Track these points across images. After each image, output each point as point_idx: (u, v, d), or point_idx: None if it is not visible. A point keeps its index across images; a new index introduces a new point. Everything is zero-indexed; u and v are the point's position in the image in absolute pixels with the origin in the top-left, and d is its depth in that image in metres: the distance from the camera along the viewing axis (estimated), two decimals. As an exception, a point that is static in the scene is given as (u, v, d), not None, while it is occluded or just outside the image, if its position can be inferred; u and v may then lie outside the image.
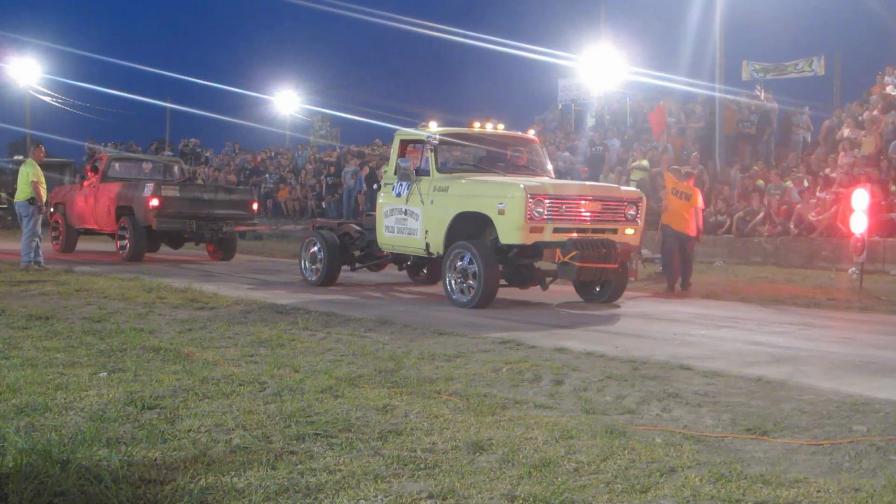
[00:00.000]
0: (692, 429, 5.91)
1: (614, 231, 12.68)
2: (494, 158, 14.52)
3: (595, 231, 12.49)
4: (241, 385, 6.88)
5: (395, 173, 13.98)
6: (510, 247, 12.44)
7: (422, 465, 4.99)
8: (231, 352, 8.44)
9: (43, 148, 18.80)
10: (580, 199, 12.52)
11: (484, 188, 12.89)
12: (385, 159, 30.53)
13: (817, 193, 20.82)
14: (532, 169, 14.39)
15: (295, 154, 40.22)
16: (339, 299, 13.32)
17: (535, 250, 12.30)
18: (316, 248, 15.46)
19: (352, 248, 15.56)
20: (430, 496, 4.53)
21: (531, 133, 15.82)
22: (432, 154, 13.60)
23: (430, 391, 6.85)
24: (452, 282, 12.79)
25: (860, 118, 22.69)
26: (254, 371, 7.46)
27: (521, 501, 4.49)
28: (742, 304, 13.56)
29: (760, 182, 22.37)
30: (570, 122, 32.64)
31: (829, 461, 5.26)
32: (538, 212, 12.04)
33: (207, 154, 43.83)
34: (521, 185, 12.20)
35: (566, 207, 12.34)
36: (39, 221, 17.10)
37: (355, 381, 7.13)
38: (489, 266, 12.33)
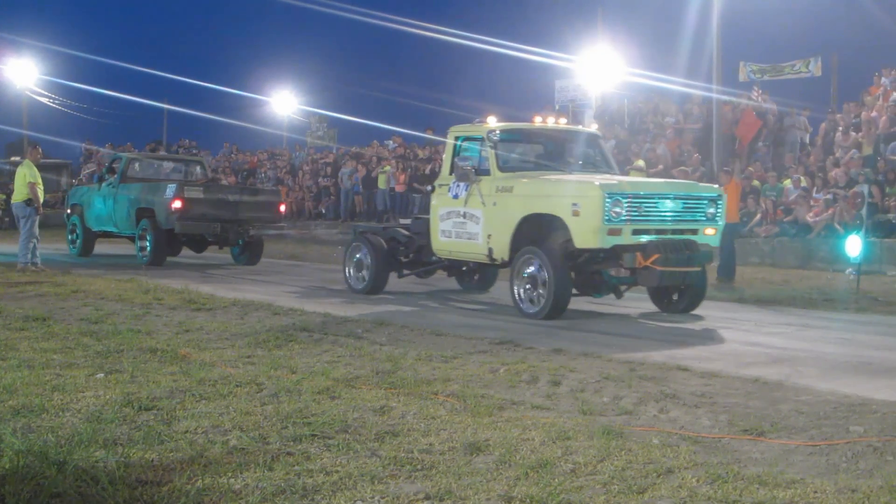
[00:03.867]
0: (689, 429, 5.92)
1: (694, 232, 11.69)
2: (558, 155, 13.52)
3: (675, 232, 11.53)
4: (238, 386, 6.89)
5: (451, 173, 13.06)
6: (581, 252, 11.46)
7: (419, 466, 5.00)
8: (228, 353, 8.44)
9: (40, 149, 18.70)
10: (660, 198, 11.56)
11: (555, 187, 11.91)
12: (381, 160, 30.57)
13: (814, 194, 20.84)
14: (597, 166, 13.41)
15: (292, 155, 40.22)
16: (334, 301, 13.30)
17: (612, 254, 11.37)
18: (361, 255, 14.39)
19: (398, 253, 14.46)
20: (427, 497, 4.53)
21: (594, 127, 14.83)
22: (492, 151, 12.62)
23: (427, 392, 6.85)
24: (521, 290, 11.84)
25: (857, 119, 22.71)
26: (251, 372, 7.46)
27: (517, 502, 4.50)
28: (739, 305, 13.55)
29: (757, 183, 22.39)
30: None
31: (826, 462, 5.26)
32: (616, 212, 11.01)
33: (204, 155, 43.75)
34: (598, 184, 11.24)
35: (645, 207, 11.34)
36: (37, 223, 17.05)
37: (352, 382, 7.13)
38: (560, 273, 11.36)
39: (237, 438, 5.47)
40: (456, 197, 12.85)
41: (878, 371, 8.26)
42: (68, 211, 22.42)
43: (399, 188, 28.76)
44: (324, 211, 33.00)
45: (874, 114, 22.24)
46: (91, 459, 4.96)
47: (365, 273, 14.30)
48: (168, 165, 22.60)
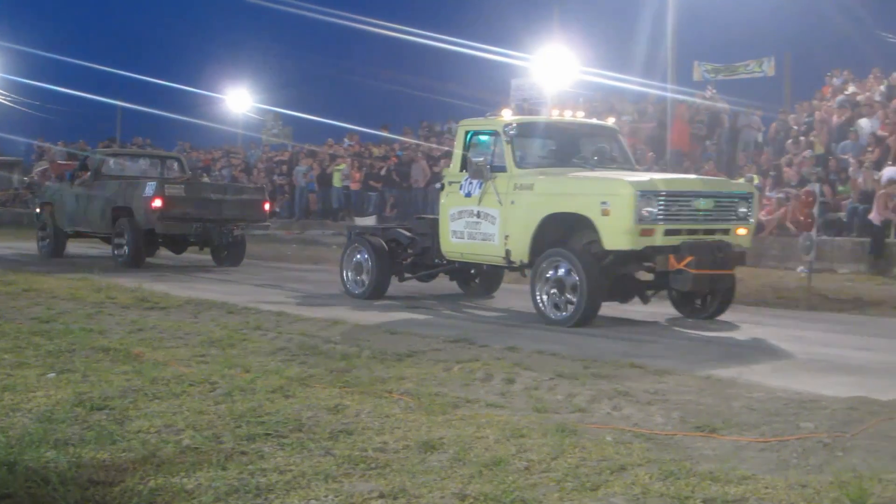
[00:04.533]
0: (642, 427, 5.95)
1: (726, 231, 11.10)
2: (575, 150, 12.68)
3: (706, 232, 10.94)
4: (191, 385, 6.84)
5: (462, 169, 12.36)
6: (608, 253, 10.78)
7: (373, 465, 4.99)
8: (181, 352, 8.38)
9: (-9, 146, 18.40)
10: (693, 196, 10.94)
11: (581, 185, 11.28)
12: (336, 158, 30.46)
13: (767, 193, 21.03)
14: (617, 161, 12.73)
15: (247, 153, 39.99)
16: (289, 299, 13.25)
17: (641, 256, 10.79)
18: (361, 257, 13.46)
19: (400, 256, 13.64)
20: (381, 496, 4.53)
21: (611, 121, 14.27)
22: (509, 146, 11.85)
23: (381, 390, 6.85)
24: (544, 296, 11.09)
25: (810, 118, 22.96)
26: (204, 371, 7.41)
27: (471, 500, 4.50)
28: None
29: (711, 182, 22.54)
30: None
31: (776, 458, 5.32)
32: (649, 211, 10.36)
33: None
34: (628, 181, 10.64)
35: (678, 206, 10.72)
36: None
37: (306, 381, 7.11)
38: (593, 277, 10.62)
39: (190, 438, 5.44)
40: (469, 195, 12.14)
41: (829, 368, 8.36)
42: (38, 210, 21.54)
43: (354, 186, 28.72)
44: (278, 209, 32.84)
45: (825, 114, 22.51)
46: (42, 460, 4.91)
47: (365, 277, 13.43)
48: (144, 162, 21.68)
